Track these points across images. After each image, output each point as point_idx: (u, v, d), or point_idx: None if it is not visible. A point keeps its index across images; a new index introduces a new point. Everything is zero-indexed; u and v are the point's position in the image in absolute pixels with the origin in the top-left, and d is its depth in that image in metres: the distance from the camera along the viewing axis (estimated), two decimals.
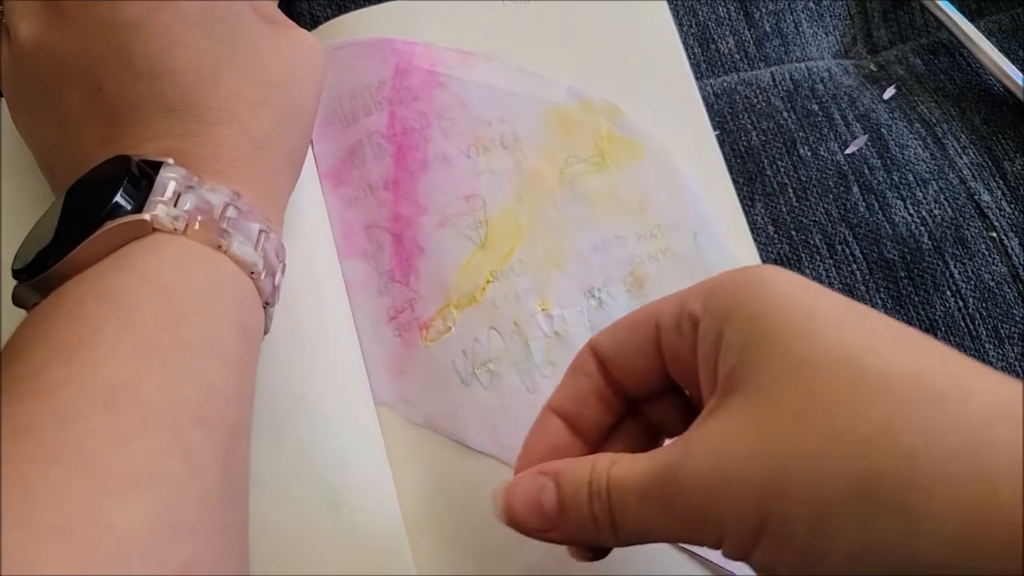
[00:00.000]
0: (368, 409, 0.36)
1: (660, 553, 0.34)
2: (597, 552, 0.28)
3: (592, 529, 0.26)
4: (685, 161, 0.39)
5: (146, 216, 0.29)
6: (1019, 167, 0.42)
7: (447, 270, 0.38)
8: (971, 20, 0.46)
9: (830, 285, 0.41)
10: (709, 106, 0.42)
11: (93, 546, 0.22)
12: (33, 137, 0.35)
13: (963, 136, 0.44)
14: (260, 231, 0.31)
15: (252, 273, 0.30)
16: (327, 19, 0.43)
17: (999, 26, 0.47)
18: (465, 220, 0.39)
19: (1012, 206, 0.42)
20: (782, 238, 0.42)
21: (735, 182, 0.40)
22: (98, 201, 0.29)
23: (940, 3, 0.46)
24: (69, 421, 0.24)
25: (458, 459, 0.36)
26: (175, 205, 0.29)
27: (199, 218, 0.29)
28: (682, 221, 0.39)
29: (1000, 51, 0.45)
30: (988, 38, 0.45)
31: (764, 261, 0.39)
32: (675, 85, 0.41)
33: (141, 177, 0.29)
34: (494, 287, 0.38)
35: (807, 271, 0.41)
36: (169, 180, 0.29)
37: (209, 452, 0.26)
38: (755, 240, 0.39)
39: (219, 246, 0.29)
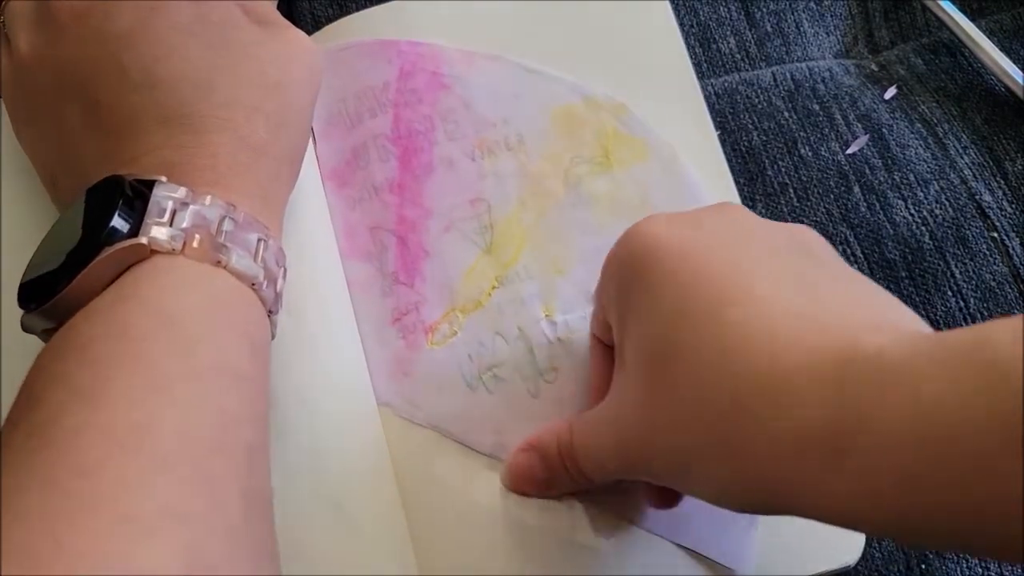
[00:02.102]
0: (370, 410, 0.36)
1: (660, 553, 0.34)
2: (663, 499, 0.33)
3: (578, 482, 0.32)
4: (688, 159, 0.39)
5: (143, 240, 0.29)
6: (1020, 167, 0.43)
7: (453, 275, 0.38)
8: (972, 20, 0.46)
9: None
10: (710, 106, 0.42)
11: None
12: (34, 150, 0.35)
13: (964, 136, 0.44)
14: (259, 240, 0.31)
15: (253, 284, 0.30)
16: (328, 19, 0.43)
17: (1000, 26, 0.47)
18: (470, 224, 0.39)
19: (1013, 206, 0.42)
20: None
21: (736, 182, 0.40)
22: (95, 226, 0.29)
23: (941, 3, 0.47)
24: (90, 469, 0.24)
25: (461, 460, 0.36)
26: (171, 224, 0.29)
27: (196, 236, 0.29)
28: None
29: (1001, 51, 0.45)
30: (989, 38, 0.45)
31: None
32: (678, 85, 0.41)
33: (135, 197, 0.29)
34: (499, 293, 0.38)
35: None
36: (163, 198, 0.29)
37: (231, 478, 0.26)
38: None
39: (218, 262, 0.30)
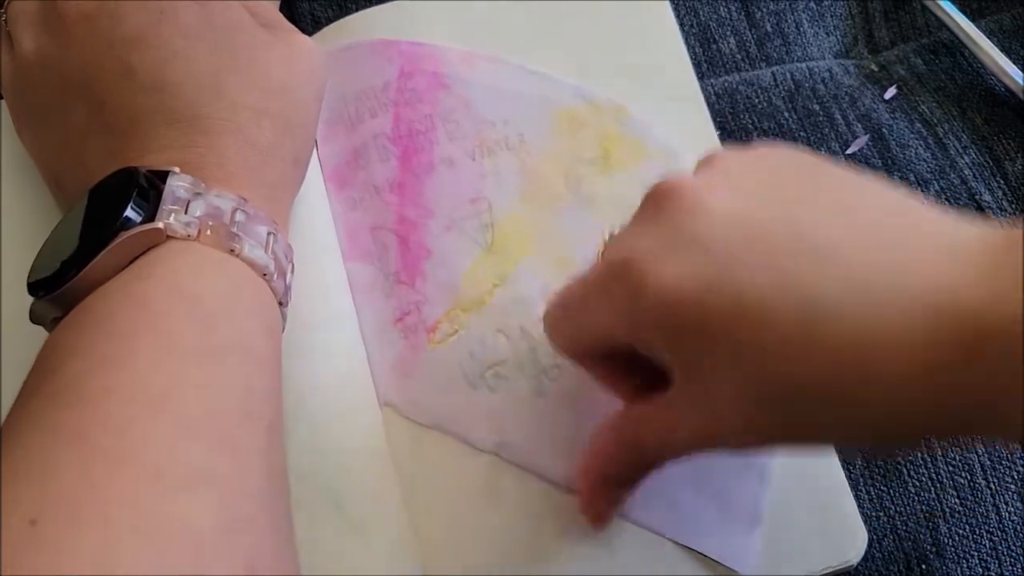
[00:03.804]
0: (372, 410, 0.36)
1: (662, 553, 0.34)
2: None
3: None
4: (688, 160, 0.39)
5: (159, 224, 0.29)
6: (1020, 167, 0.43)
7: (454, 274, 0.38)
8: (972, 20, 0.46)
9: None
10: (710, 106, 0.42)
11: (170, 543, 0.23)
12: (37, 150, 0.36)
13: (964, 136, 0.44)
14: (268, 233, 0.31)
15: (265, 275, 0.31)
16: (329, 20, 0.43)
17: (1000, 26, 0.47)
18: (471, 223, 0.39)
19: (1013, 206, 0.42)
20: None
21: None
22: (110, 214, 0.29)
23: (941, 3, 0.47)
24: (122, 428, 0.24)
25: (463, 459, 0.36)
26: (185, 212, 0.30)
27: (210, 223, 0.30)
28: None
29: (1001, 51, 0.45)
30: (989, 38, 0.45)
31: None
32: (678, 85, 0.41)
33: (149, 187, 0.30)
34: (501, 291, 0.38)
35: None
36: (177, 188, 0.30)
37: (253, 449, 0.27)
38: None
39: (232, 250, 0.30)
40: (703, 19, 0.48)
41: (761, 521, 0.35)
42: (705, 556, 0.34)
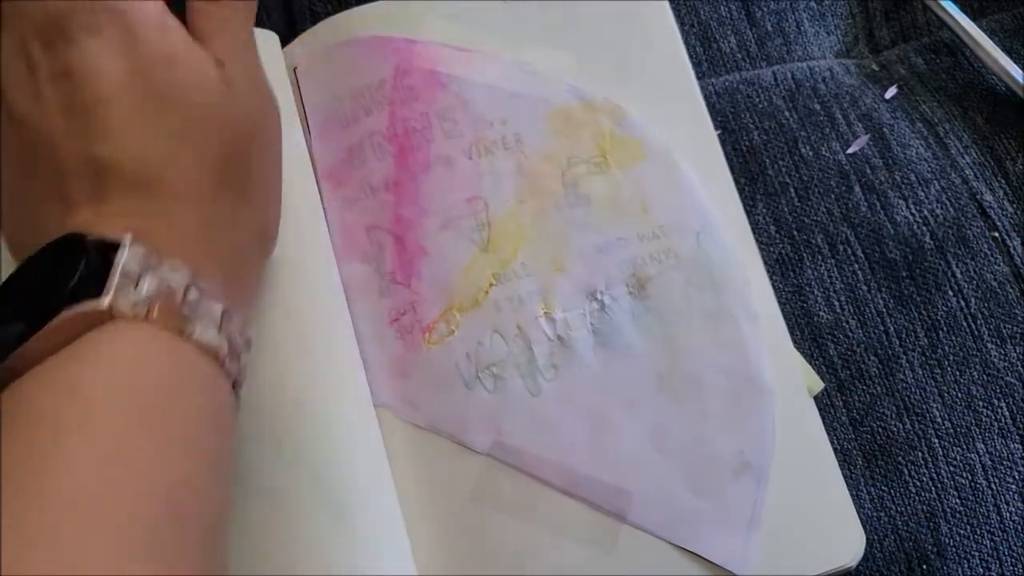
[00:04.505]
0: (367, 411, 0.36)
1: (658, 556, 0.34)
2: None
3: None
4: (687, 161, 0.39)
5: (104, 303, 0.27)
6: (1021, 167, 0.42)
7: (450, 273, 0.38)
8: (973, 19, 0.46)
9: (832, 284, 0.41)
10: (711, 105, 0.42)
11: None
12: (6, 205, 0.34)
13: (965, 136, 0.43)
14: (223, 312, 0.29)
15: (217, 358, 0.29)
16: (327, 14, 0.43)
17: (1001, 25, 0.47)
18: (467, 222, 0.39)
19: (1014, 206, 0.42)
20: (784, 238, 0.42)
21: (736, 182, 0.40)
22: (52, 287, 0.27)
23: (942, 2, 0.46)
24: (32, 539, 0.23)
25: (458, 460, 0.36)
26: (135, 288, 0.27)
27: (160, 303, 0.28)
28: (684, 222, 0.38)
29: (1002, 50, 0.45)
30: (990, 37, 0.45)
31: (765, 261, 0.39)
32: (677, 84, 0.41)
33: (98, 257, 0.28)
34: (497, 290, 0.38)
35: (809, 271, 0.41)
36: (128, 261, 0.28)
37: (183, 556, 0.25)
38: (756, 240, 0.39)
39: (181, 332, 0.28)
40: (704, 18, 0.48)
41: (759, 524, 0.35)
42: (703, 558, 0.34)
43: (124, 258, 0.27)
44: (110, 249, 0.28)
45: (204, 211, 0.31)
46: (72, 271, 0.27)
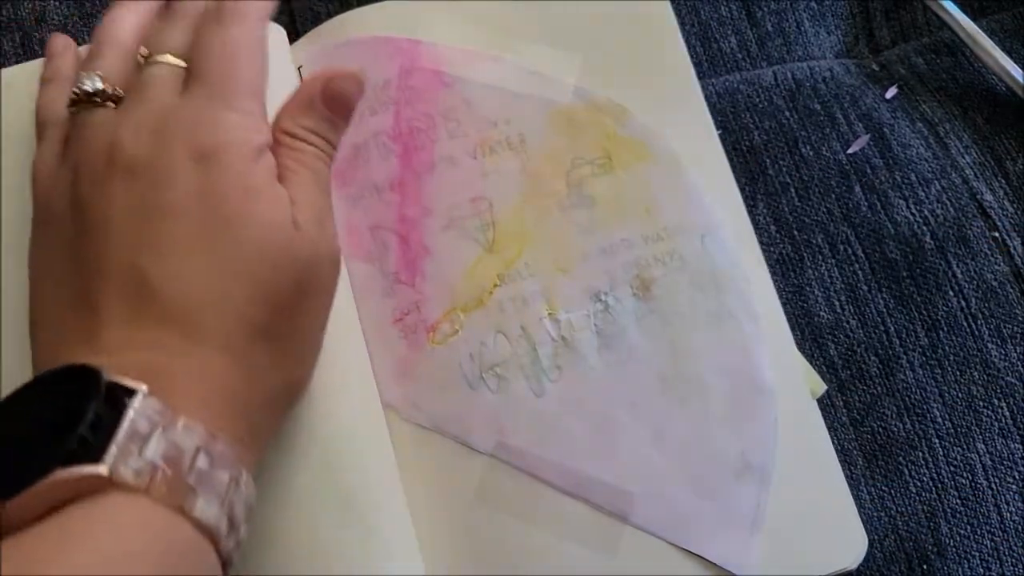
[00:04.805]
0: (376, 410, 0.36)
1: (660, 556, 0.34)
2: None
3: None
4: (691, 162, 0.39)
5: (103, 470, 0.24)
6: (1021, 166, 0.43)
7: (454, 273, 0.38)
8: (973, 19, 0.46)
9: (832, 285, 0.41)
10: (711, 105, 0.42)
11: None
12: (33, 296, 0.32)
13: (965, 135, 0.44)
14: (231, 480, 0.27)
15: (213, 537, 0.26)
16: (329, 14, 0.43)
17: (1001, 25, 0.47)
18: (472, 222, 0.39)
19: (1014, 206, 0.42)
20: (784, 238, 0.42)
21: (737, 181, 0.40)
22: (51, 437, 0.25)
23: (942, 2, 0.46)
24: None
25: (462, 461, 0.36)
26: (140, 453, 0.25)
27: (164, 472, 0.25)
28: (689, 224, 0.38)
29: (1002, 50, 0.45)
30: (990, 37, 0.45)
31: (767, 261, 0.39)
32: (679, 85, 0.41)
33: (108, 404, 0.25)
34: (501, 291, 0.38)
35: (809, 270, 0.41)
36: (139, 419, 0.25)
37: None
38: (758, 240, 0.39)
39: (181, 507, 0.25)
40: (704, 18, 0.48)
41: (762, 525, 0.35)
42: (705, 559, 0.34)
43: (134, 416, 0.25)
44: (124, 392, 0.26)
45: (237, 362, 0.29)
46: (76, 418, 0.24)
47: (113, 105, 0.32)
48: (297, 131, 0.32)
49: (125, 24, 0.35)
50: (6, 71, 0.39)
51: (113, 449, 0.24)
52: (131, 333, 0.28)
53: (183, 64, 0.32)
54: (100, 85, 0.32)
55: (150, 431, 0.25)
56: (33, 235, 0.32)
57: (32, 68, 0.39)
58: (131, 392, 0.26)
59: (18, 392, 0.26)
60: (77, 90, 0.32)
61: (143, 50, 0.33)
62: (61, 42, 0.37)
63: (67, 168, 0.32)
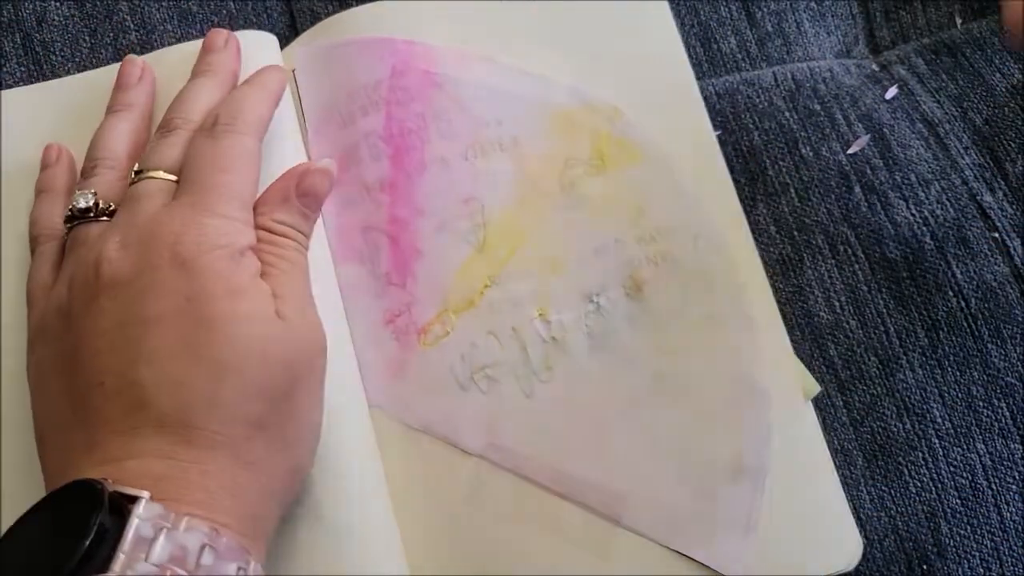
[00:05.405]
0: (362, 412, 0.36)
1: (653, 559, 0.34)
2: None
3: None
4: (686, 163, 0.39)
5: None
6: (1021, 168, 0.42)
7: (445, 274, 0.38)
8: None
9: (832, 285, 0.41)
10: (711, 106, 0.42)
11: None
12: (35, 411, 0.33)
13: (965, 136, 0.43)
14: (238, 571, 0.28)
15: None
16: (328, 14, 0.43)
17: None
18: (463, 224, 0.39)
19: (1014, 207, 0.42)
20: (784, 238, 0.42)
21: (736, 182, 0.40)
22: (60, 548, 0.25)
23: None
24: None
25: (452, 461, 0.36)
26: (145, 557, 0.26)
27: (173, 573, 0.26)
28: (682, 225, 0.38)
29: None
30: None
31: (766, 261, 0.39)
32: (676, 85, 0.41)
33: (114, 514, 0.26)
34: (492, 292, 0.38)
35: (809, 271, 0.41)
36: (143, 524, 0.26)
37: None
38: (757, 240, 0.39)
39: None
40: (704, 18, 0.47)
41: (755, 528, 0.34)
42: (698, 562, 0.34)
43: (138, 523, 0.26)
44: (127, 500, 0.27)
45: (237, 458, 0.30)
46: (83, 530, 0.25)
47: (107, 219, 0.34)
48: (275, 227, 0.34)
49: (119, 137, 0.37)
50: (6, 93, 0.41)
51: (121, 557, 0.25)
52: (130, 441, 0.29)
53: (173, 178, 0.34)
54: (91, 202, 0.34)
55: (155, 535, 0.26)
56: (31, 350, 0.34)
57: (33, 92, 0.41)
58: (133, 499, 0.27)
59: (28, 514, 0.27)
60: (71, 208, 0.34)
61: (136, 165, 0.35)
62: (54, 153, 0.39)
63: (62, 284, 0.33)
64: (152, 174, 0.34)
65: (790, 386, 0.37)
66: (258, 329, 0.31)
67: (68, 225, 0.34)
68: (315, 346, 0.33)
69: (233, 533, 0.28)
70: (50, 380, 0.32)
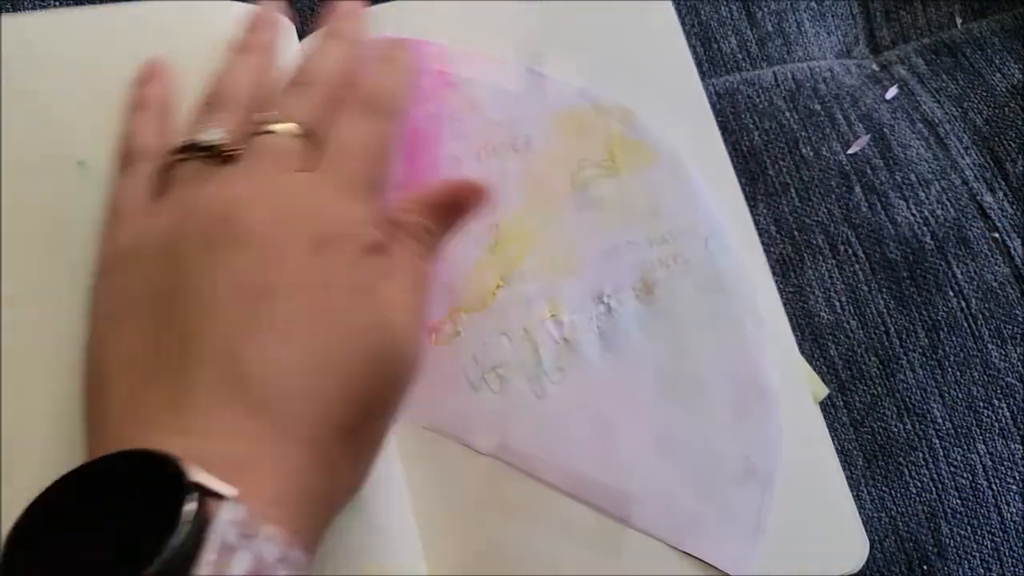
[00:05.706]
0: None
1: (662, 559, 0.34)
2: None
3: None
4: (694, 163, 0.39)
5: None
6: (1021, 168, 0.43)
7: (457, 274, 0.38)
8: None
9: (832, 285, 0.41)
10: (711, 106, 0.41)
11: None
12: (102, 342, 0.30)
13: (965, 137, 0.44)
14: None
15: None
16: None
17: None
18: (475, 224, 0.38)
19: (1014, 207, 0.42)
20: (784, 238, 0.42)
21: (737, 182, 0.40)
22: (141, 540, 0.22)
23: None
24: None
25: (463, 462, 0.35)
26: (228, 564, 0.23)
27: None
28: (693, 227, 0.38)
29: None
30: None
31: (767, 261, 0.39)
32: (681, 85, 0.41)
33: (197, 508, 0.23)
34: (504, 292, 0.37)
35: (809, 271, 0.41)
36: (228, 528, 0.23)
37: None
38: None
39: None
40: (704, 18, 0.47)
41: (764, 529, 0.34)
42: (707, 563, 0.34)
43: (226, 522, 0.23)
44: (208, 494, 0.23)
45: (321, 460, 0.27)
46: (169, 525, 0.22)
47: (221, 163, 0.31)
48: (418, 232, 0.32)
49: (243, 80, 0.34)
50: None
51: (204, 568, 0.22)
52: (218, 416, 0.26)
53: (301, 135, 0.31)
54: (220, 140, 0.31)
55: (237, 544, 0.23)
56: (107, 270, 0.31)
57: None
58: (217, 495, 0.23)
59: (101, 467, 0.24)
60: (192, 139, 0.31)
61: (260, 113, 0.32)
62: (155, 69, 0.36)
63: (169, 214, 0.30)
64: (281, 128, 0.31)
65: (799, 388, 0.37)
66: (372, 337, 0.28)
67: (179, 156, 0.31)
68: (416, 362, 0.30)
69: (302, 544, 0.26)
70: (135, 315, 0.29)
